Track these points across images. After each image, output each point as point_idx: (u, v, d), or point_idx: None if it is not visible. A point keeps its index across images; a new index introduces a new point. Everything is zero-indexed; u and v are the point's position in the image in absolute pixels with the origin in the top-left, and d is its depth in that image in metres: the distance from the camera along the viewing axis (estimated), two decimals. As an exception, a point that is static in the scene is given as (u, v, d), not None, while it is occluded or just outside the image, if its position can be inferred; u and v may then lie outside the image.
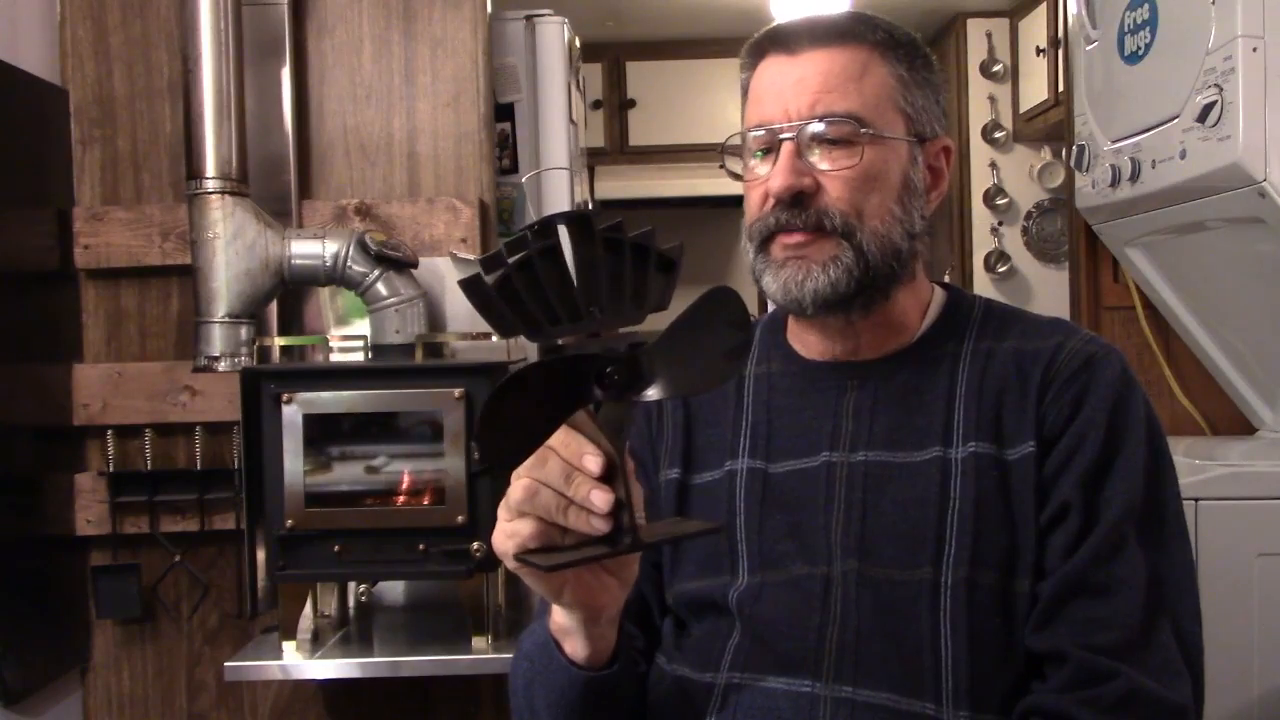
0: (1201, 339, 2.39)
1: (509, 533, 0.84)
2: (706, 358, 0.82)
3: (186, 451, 2.17)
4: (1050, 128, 4.09)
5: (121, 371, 2.16)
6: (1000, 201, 4.50)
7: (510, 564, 0.85)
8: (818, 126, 1.05)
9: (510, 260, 0.77)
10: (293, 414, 1.79)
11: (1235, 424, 2.49)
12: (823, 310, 1.07)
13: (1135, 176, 2.17)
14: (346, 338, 2.00)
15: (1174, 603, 1.01)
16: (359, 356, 1.97)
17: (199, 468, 2.14)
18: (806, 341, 1.17)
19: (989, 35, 4.50)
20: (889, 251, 1.07)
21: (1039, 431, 1.05)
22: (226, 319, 1.95)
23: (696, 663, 1.08)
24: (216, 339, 1.95)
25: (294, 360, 2.00)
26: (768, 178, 1.06)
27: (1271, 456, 2.16)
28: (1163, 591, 1.01)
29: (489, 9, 2.28)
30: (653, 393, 0.80)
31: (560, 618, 0.95)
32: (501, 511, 0.85)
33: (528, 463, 0.83)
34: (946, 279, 4.08)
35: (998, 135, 4.50)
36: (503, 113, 2.50)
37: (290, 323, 2.21)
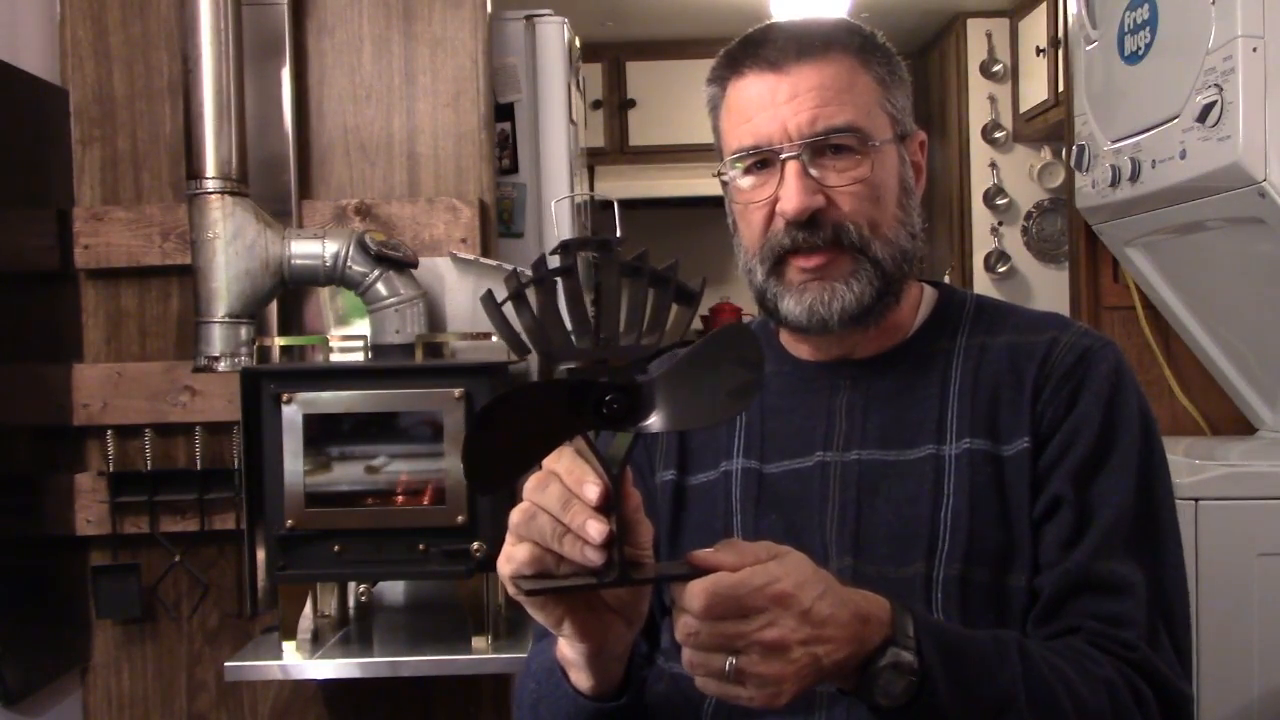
0: (1201, 339, 2.39)
1: (506, 556, 0.83)
2: (711, 394, 0.81)
3: (186, 451, 2.17)
4: (1050, 128, 4.09)
5: (121, 371, 2.16)
6: (1000, 201, 4.50)
7: (510, 590, 0.85)
8: (823, 143, 1.04)
9: (526, 279, 0.77)
10: (293, 414, 1.79)
11: (1235, 424, 2.48)
12: (846, 326, 1.06)
13: (1135, 176, 2.17)
14: (346, 338, 2.00)
15: (1169, 609, 1.01)
16: (359, 356, 1.97)
17: (199, 468, 2.14)
18: (800, 345, 1.16)
19: (989, 35, 4.50)
20: (900, 256, 1.07)
21: (1035, 428, 1.04)
22: (226, 319, 1.95)
23: None
24: (216, 339, 1.95)
25: (294, 360, 2.00)
26: (772, 198, 1.05)
27: (1271, 456, 2.16)
28: (1160, 597, 1.00)
29: (489, 9, 2.28)
30: (652, 425, 0.79)
31: (565, 649, 0.93)
32: (508, 535, 0.85)
33: (530, 485, 0.82)
34: (946, 279, 4.09)
35: (998, 135, 4.51)
36: (503, 113, 2.50)
37: (290, 323, 2.21)
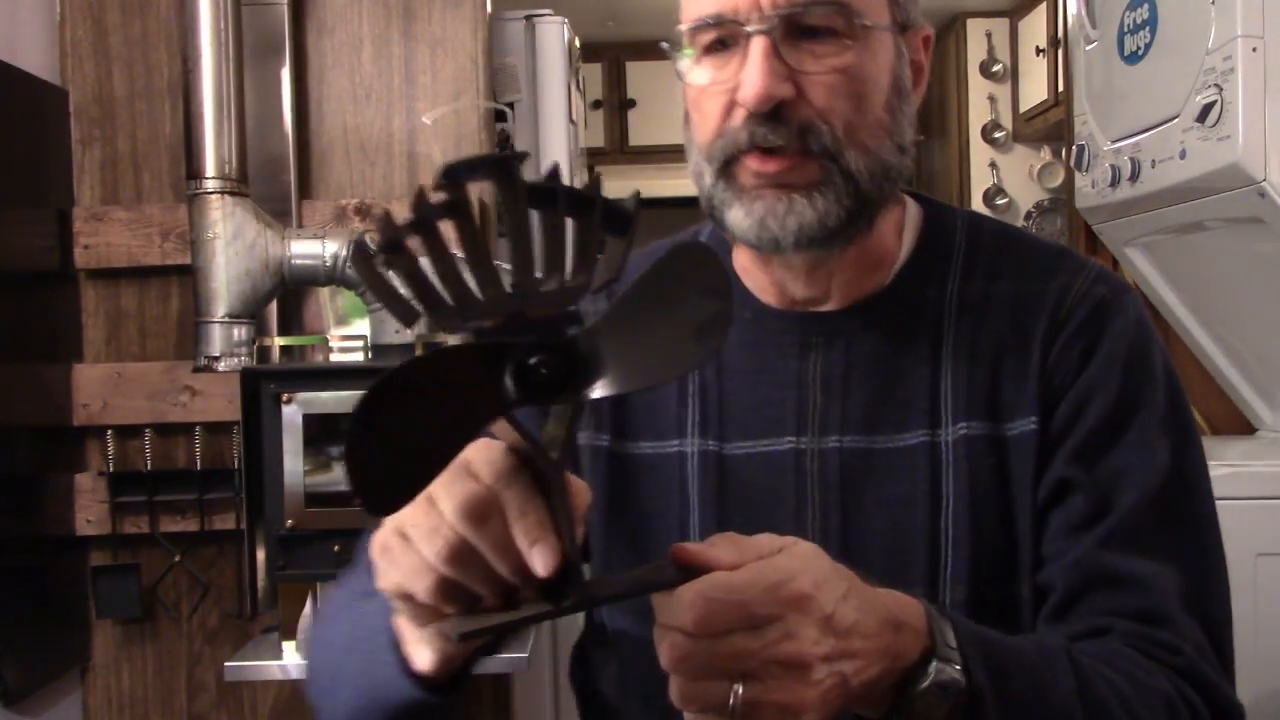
0: (1201, 339, 2.40)
1: (414, 569, 0.64)
2: (670, 338, 0.61)
3: (186, 451, 2.17)
4: (1050, 128, 4.09)
5: (121, 371, 2.16)
6: (1000, 201, 4.50)
7: (397, 605, 0.67)
8: (800, 18, 0.83)
9: (404, 224, 0.57)
10: (293, 414, 1.79)
11: (1235, 424, 2.49)
12: (803, 249, 0.86)
13: (1135, 176, 2.17)
14: (346, 338, 2.00)
15: (1208, 604, 0.86)
16: (359, 356, 1.97)
17: (199, 468, 2.14)
18: (760, 276, 0.95)
19: (989, 35, 4.50)
20: (879, 172, 0.87)
21: (1042, 400, 0.88)
22: (226, 319, 1.95)
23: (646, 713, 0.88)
24: (216, 339, 1.95)
25: (294, 360, 2.00)
26: (732, 82, 0.84)
27: (1271, 456, 2.16)
28: (1198, 590, 0.85)
29: (489, 9, 2.29)
30: (596, 389, 0.60)
31: (404, 616, 0.71)
32: (397, 537, 0.65)
33: (461, 505, 0.61)
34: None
35: (998, 135, 4.51)
36: (502, 113, 2.50)
37: (290, 323, 2.21)
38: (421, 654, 0.72)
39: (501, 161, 0.57)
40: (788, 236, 0.85)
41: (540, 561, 0.60)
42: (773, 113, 0.83)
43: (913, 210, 0.97)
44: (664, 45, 0.90)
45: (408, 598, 0.65)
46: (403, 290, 0.57)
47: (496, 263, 0.59)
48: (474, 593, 0.63)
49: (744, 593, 0.62)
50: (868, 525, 0.89)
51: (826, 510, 0.90)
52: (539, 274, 0.59)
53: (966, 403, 0.89)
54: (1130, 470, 0.86)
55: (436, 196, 0.56)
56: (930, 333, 0.91)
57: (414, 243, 0.56)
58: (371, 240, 0.57)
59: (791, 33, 0.83)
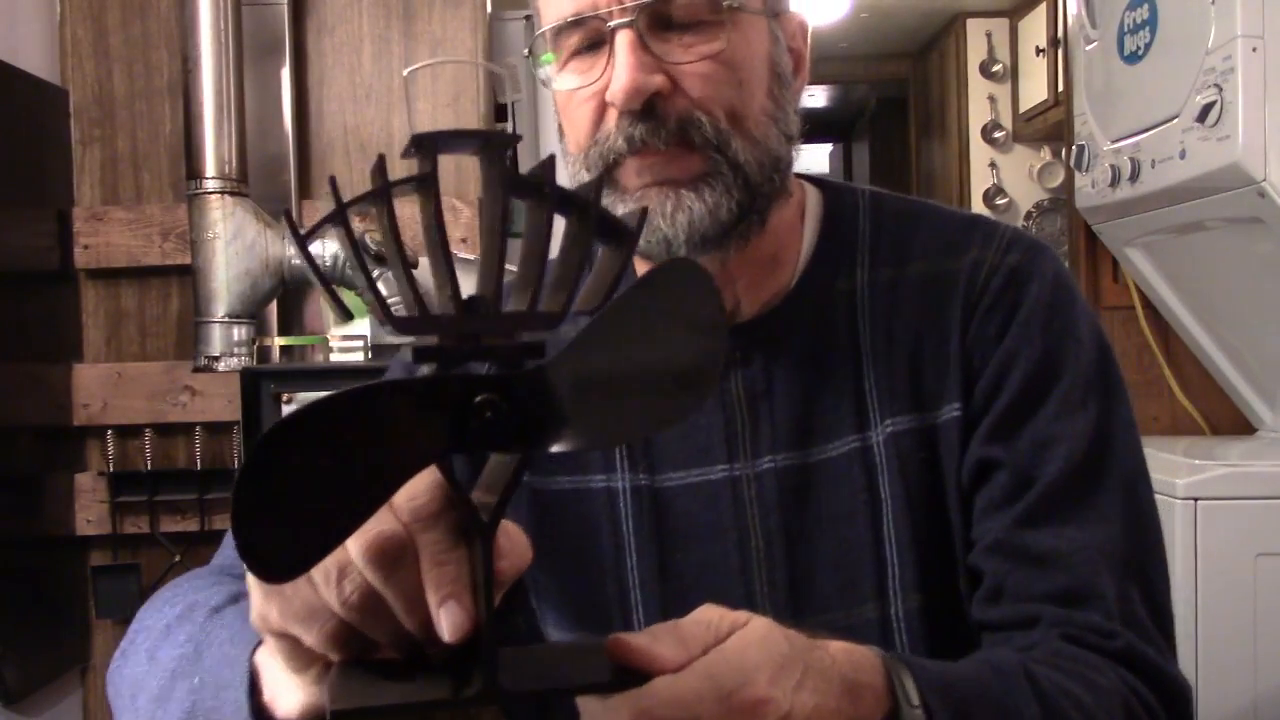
0: (1201, 339, 2.40)
1: (309, 609, 0.53)
2: (649, 383, 0.49)
3: (186, 451, 2.17)
4: (1050, 128, 4.10)
5: (121, 371, 2.16)
6: (1000, 201, 4.50)
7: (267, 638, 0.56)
8: (662, 8, 0.78)
9: (350, 202, 0.47)
10: (293, 414, 1.79)
11: (1235, 424, 2.48)
12: (698, 250, 0.79)
13: (1135, 176, 2.17)
14: (346, 338, 2.01)
15: (1143, 570, 0.80)
16: (359, 356, 1.97)
17: (199, 468, 2.14)
18: None
19: (989, 35, 4.50)
20: (768, 163, 0.82)
21: (964, 384, 0.84)
22: (226, 319, 1.95)
23: None
24: (216, 339, 1.95)
25: (294, 360, 2.00)
26: (601, 84, 0.79)
27: (1271, 456, 2.16)
28: (1130, 556, 0.80)
29: (489, 9, 2.29)
30: (550, 442, 0.49)
31: (281, 662, 0.58)
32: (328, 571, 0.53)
33: (369, 547, 0.50)
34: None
35: (997, 135, 4.51)
36: (503, 113, 2.50)
37: (290, 323, 2.21)
38: (288, 698, 0.60)
39: (486, 138, 0.48)
40: (678, 234, 0.79)
41: (448, 624, 0.50)
42: (647, 109, 0.78)
43: (812, 198, 0.92)
44: (525, 54, 0.84)
45: (289, 638, 0.55)
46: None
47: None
48: (372, 640, 0.53)
49: (693, 706, 0.53)
50: (813, 546, 0.84)
51: (770, 538, 0.85)
52: (506, 287, 0.49)
53: (891, 397, 0.85)
54: (1053, 440, 0.81)
55: (388, 173, 0.46)
56: (846, 330, 0.86)
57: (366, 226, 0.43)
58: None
59: (657, 24, 0.78)
